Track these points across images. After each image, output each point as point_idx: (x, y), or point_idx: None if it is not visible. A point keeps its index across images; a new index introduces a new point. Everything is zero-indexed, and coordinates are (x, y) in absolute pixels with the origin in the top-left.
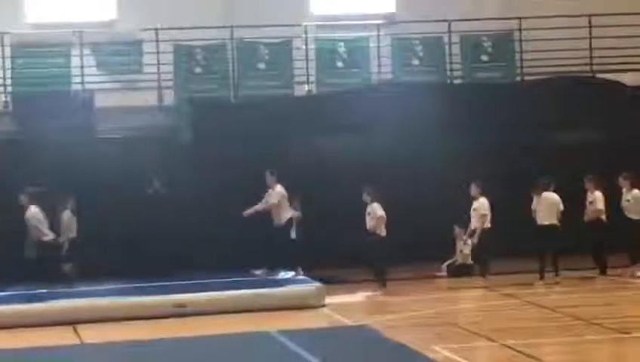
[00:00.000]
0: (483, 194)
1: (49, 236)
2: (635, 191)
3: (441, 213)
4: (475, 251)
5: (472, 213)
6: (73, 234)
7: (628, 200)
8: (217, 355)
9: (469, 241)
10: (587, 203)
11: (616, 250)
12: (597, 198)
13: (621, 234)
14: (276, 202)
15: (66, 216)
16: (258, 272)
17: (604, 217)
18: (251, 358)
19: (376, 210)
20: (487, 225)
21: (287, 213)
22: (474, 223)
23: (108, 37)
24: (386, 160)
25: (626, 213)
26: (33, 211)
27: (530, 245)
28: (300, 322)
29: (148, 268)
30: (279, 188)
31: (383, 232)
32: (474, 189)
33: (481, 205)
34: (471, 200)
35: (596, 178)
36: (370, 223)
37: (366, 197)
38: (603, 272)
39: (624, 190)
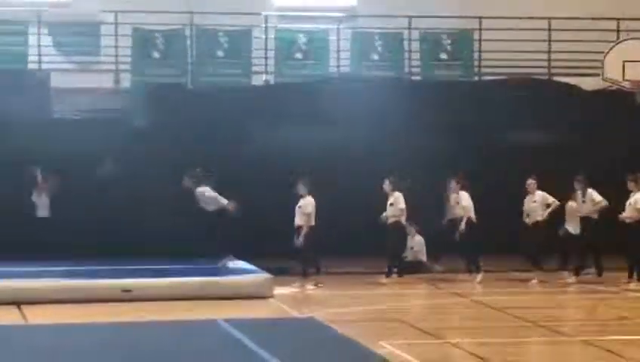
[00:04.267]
0: (395, 189)
1: None
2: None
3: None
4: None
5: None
6: None
7: (584, 202)
8: (162, 341)
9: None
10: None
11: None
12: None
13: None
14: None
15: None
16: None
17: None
18: (196, 345)
19: (398, 199)
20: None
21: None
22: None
23: (66, 17)
24: (340, 152)
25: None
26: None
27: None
28: (246, 311)
29: (96, 250)
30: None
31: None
32: (453, 184)
33: (397, 199)
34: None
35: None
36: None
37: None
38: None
39: (579, 192)
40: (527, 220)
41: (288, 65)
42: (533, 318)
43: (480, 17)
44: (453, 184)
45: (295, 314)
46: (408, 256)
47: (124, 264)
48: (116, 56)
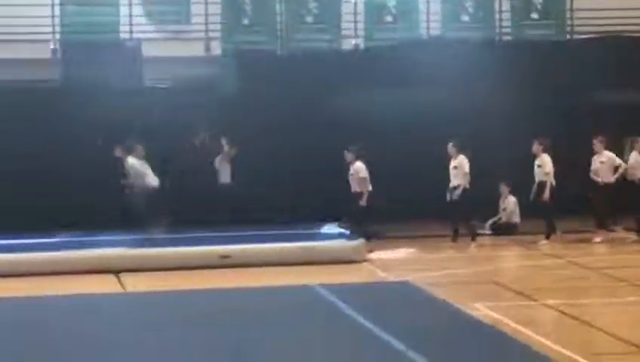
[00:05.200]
0: (545, 151)
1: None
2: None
3: (487, 171)
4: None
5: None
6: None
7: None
8: (258, 306)
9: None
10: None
11: None
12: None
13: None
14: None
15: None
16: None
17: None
18: (291, 310)
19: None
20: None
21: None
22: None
23: None
24: (433, 116)
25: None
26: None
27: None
28: (341, 277)
29: (194, 218)
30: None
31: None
32: (536, 146)
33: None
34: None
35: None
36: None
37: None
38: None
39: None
40: (597, 179)
41: (378, 29)
42: (627, 278)
43: None
44: (535, 146)
45: (389, 278)
46: (502, 217)
47: (221, 231)
48: (206, 24)
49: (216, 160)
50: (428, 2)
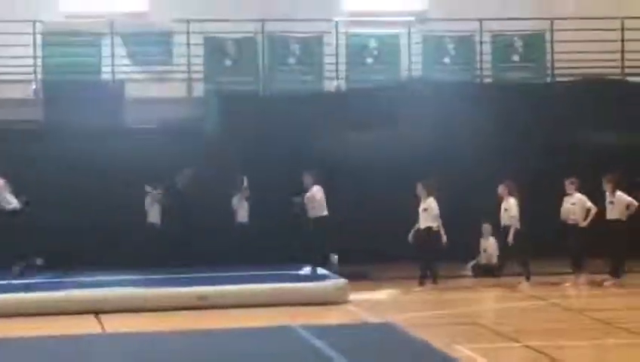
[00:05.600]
0: (512, 194)
1: None
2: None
3: (467, 212)
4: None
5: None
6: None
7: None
8: (238, 348)
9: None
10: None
11: None
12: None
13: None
14: None
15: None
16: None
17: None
18: (272, 351)
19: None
20: (517, 225)
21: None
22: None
23: (139, 27)
24: (414, 157)
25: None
26: None
27: (554, 245)
28: (322, 317)
29: (173, 259)
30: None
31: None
32: (502, 189)
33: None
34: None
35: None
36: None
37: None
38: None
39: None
40: (568, 221)
41: (360, 71)
42: (609, 320)
43: (552, 19)
44: (501, 189)
45: (371, 319)
46: (482, 258)
47: (199, 272)
48: (189, 65)
49: (233, 199)
50: (409, 45)
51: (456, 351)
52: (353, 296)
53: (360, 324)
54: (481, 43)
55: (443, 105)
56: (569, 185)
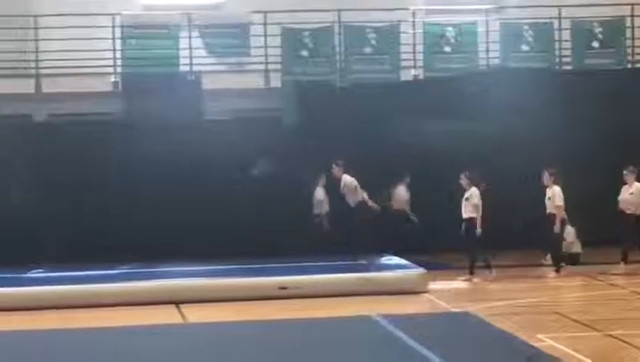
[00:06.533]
0: (556, 182)
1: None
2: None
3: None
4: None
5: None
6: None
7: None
8: (318, 338)
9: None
10: None
11: None
12: None
13: None
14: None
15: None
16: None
17: None
18: (352, 341)
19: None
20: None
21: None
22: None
23: (216, 19)
24: (493, 146)
25: None
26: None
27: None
28: (401, 307)
29: (250, 250)
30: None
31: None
32: (546, 177)
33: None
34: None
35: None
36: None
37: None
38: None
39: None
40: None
41: (437, 59)
42: None
43: (632, 4)
44: (545, 177)
45: (450, 308)
46: (563, 247)
47: (280, 261)
48: (266, 56)
49: (317, 190)
50: (487, 32)
51: (538, 341)
52: (432, 286)
53: (440, 314)
54: (560, 30)
55: (522, 92)
56: (629, 174)
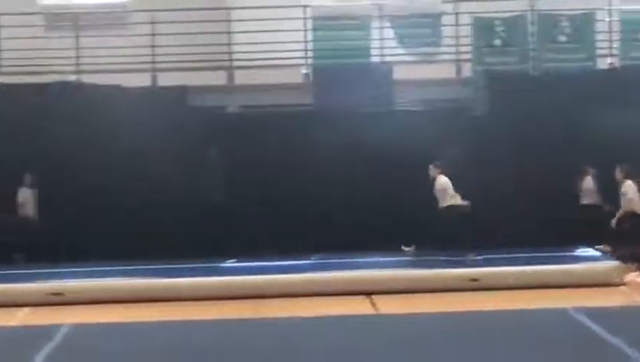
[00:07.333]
0: (628, 177)
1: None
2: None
3: None
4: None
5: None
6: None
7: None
8: (511, 330)
9: None
10: None
11: None
12: None
13: None
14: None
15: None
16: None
17: None
18: (547, 335)
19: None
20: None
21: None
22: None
23: (407, 10)
24: None
25: None
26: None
27: None
28: (596, 300)
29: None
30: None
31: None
32: (618, 172)
33: (627, 189)
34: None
35: None
36: None
37: (619, 175)
38: None
39: None
40: None
41: (636, 47)
42: None
43: None
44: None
45: None
46: None
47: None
48: (457, 46)
49: (582, 183)
50: None
51: None
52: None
53: (637, 307)
54: None
55: None
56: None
